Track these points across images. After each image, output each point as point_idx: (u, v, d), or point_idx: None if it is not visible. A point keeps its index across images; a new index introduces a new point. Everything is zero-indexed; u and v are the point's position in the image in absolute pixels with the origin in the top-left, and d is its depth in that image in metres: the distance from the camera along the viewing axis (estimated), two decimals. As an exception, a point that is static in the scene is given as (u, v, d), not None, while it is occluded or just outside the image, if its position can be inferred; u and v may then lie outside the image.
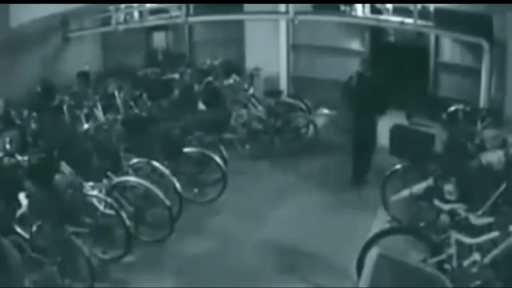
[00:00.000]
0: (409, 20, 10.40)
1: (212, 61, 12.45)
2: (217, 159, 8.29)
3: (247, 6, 12.30)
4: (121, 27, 12.38)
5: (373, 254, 4.25)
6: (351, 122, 8.92)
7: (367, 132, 8.79)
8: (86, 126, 9.27)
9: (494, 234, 5.29)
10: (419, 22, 10.32)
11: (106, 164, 7.30)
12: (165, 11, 13.26)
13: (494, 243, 5.30)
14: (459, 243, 5.33)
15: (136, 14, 13.45)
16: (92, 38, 13.19)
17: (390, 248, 4.72)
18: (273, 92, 11.49)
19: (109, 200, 6.85)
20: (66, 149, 7.33)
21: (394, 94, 9.24)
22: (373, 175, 8.79)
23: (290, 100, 11.21)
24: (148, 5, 12.69)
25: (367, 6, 11.42)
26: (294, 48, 12.90)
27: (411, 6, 10.38)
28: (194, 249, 7.08)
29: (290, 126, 10.86)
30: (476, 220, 5.47)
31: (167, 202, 7.10)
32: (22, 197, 6.36)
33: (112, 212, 6.76)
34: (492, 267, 5.26)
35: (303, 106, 10.91)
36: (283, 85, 12.59)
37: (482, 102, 9.95)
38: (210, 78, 11.20)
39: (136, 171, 7.68)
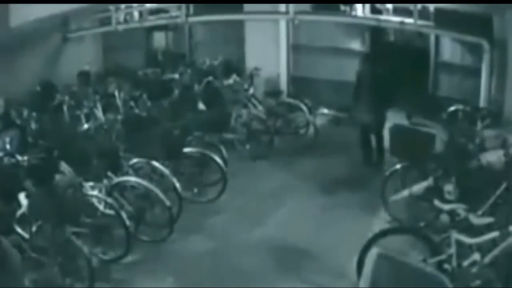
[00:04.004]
0: (409, 20, 10.40)
1: (212, 61, 12.45)
2: (217, 159, 8.28)
3: (247, 6, 12.29)
4: (121, 27, 12.37)
5: (373, 254, 4.24)
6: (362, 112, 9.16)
7: (377, 120, 9.08)
8: (86, 126, 9.27)
9: (494, 234, 5.29)
10: (419, 22, 10.32)
11: (106, 164, 7.29)
12: (165, 11, 13.27)
13: (494, 243, 5.30)
14: (459, 243, 5.33)
15: (136, 14, 13.46)
16: (92, 38, 13.19)
17: (390, 248, 4.71)
18: (273, 92, 11.50)
19: (109, 200, 6.84)
20: (66, 149, 7.34)
21: (394, 94, 9.26)
22: (373, 175, 8.80)
23: (290, 100, 11.22)
24: (148, 5, 12.70)
25: (367, 6, 11.41)
26: (294, 48, 12.89)
27: (411, 6, 10.38)
28: (194, 249, 7.07)
29: (290, 126, 10.89)
30: (476, 220, 5.47)
31: (167, 202, 7.09)
32: (22, 197, 6.35)
33: (112, 212, 6.74)
34: (492, 267, 5.27)
35: (303, 106, 10.90)
36: (283, 85, 12.59)
37: (482, 102, 9.95)
38: (210, 78, 11.23)
39: (136, 171, 7.67)
